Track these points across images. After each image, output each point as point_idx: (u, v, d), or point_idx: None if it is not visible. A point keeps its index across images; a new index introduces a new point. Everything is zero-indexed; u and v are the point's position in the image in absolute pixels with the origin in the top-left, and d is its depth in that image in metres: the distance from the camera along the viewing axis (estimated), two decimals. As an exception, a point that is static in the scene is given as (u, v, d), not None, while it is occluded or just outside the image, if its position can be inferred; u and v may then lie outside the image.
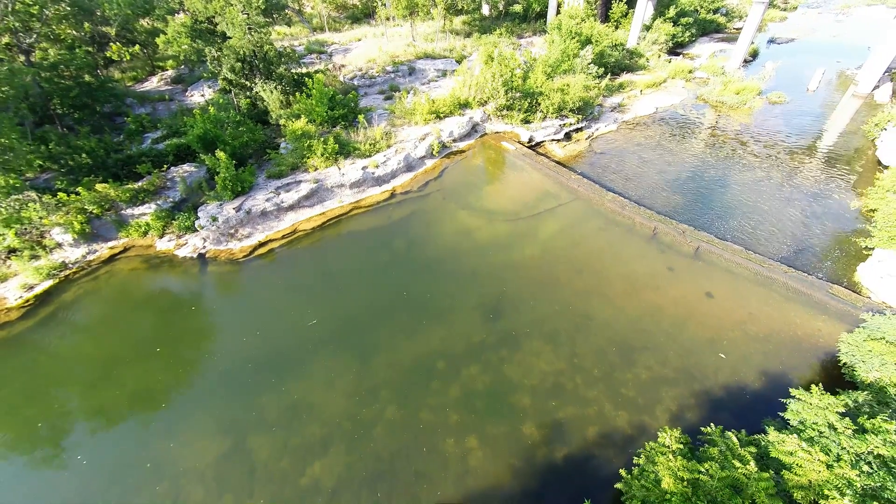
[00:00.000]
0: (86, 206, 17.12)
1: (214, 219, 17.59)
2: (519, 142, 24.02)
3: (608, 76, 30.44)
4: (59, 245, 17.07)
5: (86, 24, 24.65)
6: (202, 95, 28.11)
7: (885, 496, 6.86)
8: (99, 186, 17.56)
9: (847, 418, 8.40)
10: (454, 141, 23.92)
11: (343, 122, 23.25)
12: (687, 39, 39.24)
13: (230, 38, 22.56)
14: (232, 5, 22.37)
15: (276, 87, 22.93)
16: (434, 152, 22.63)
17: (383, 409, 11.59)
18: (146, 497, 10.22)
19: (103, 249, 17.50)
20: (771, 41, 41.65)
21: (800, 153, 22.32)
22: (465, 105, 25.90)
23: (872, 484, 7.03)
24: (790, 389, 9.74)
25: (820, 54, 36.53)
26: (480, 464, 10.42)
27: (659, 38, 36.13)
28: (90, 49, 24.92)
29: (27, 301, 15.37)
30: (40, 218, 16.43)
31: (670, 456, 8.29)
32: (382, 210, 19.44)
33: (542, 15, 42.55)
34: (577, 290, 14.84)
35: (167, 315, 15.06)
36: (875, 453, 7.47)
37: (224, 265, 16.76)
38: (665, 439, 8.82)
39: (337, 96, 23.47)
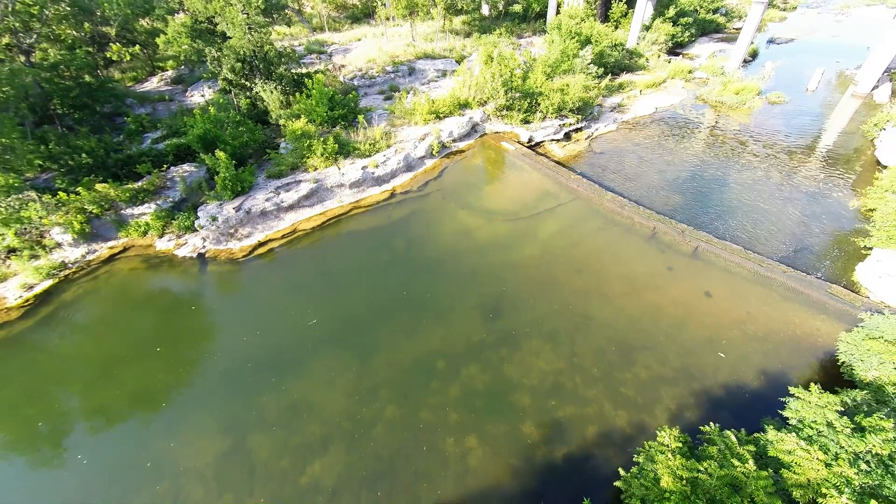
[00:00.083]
0: (85, 206, 17.14)
1: (214, 218, 17.61)
2: (518, 142, 24.04)
3: (608, 76, 30.48)
4: (59, 245, 17.09)
5: (86, 25, 24.66)
6: (202, 96, 28.14)
7: (884, 494, 6.89)
8: (99, 186, 17.58)
9: (846, 417, 8.43)
10: (454, 141, 23.94)
11: (343, 123, 23.28)
12: (686, 39, 39.28)
13: (230, 38, 22.58)
14: (232, 5, 22.39)
15: (275, 88, 22.94)
16: (434, 152, 22.66)
17: (383, 409, 11.61)
18: (146, 496, 10.24)
19: (103, 249, 17.52)
20: (770, 41, 41.70)
21: (799, 153, 22.36)
22: (464, 105, 25.92)
23: (870, 482, 7.06)
24: (789, 388, 9.77)
25: (819, 54, 36.57)
26: (480, 463, 10.44)
27: (658, 38, 36.17)
28: (90, 49, 24.93)
29: (27, 301, 15.38)
30: (40, 218, 16.45)
31: (669, 455, 8.32)
32: (382, 210, 19.46)
33: (542, 15, 42.58)
34: (577, 290, 14.86)
35: (167, 315, 15.08)
36: (873, 452, 7.50)
37: (224, 265, 16.78)
38: (664, 438, 8.84)
39: (337, 96, 23.49)
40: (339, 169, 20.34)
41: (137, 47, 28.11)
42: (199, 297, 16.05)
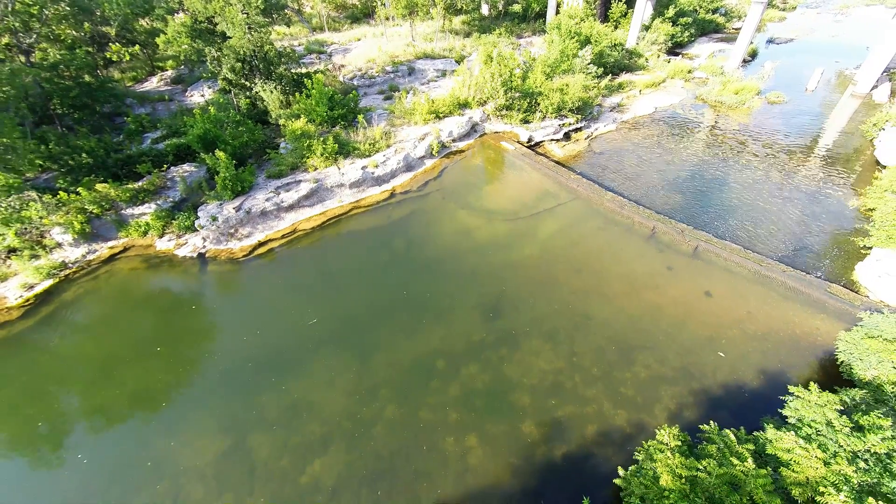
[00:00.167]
0: (86, 206, 17.15)
1: (214, 218, 17.62)
2: (518, 142, 24.06)
3: (607, 76, 30.50)
4: (59, 245, 17.10)
5: (85, 24, 24.68)
6: (202, 95, 28.15)
7: (882, 492, 6.91)
8: (99, 186, 17.59)
9: (845, 416, 8.45)
10: (453, 141, 23.96)
11: (343, 122, 23.29)
12: (686, 39, 39.31)
13: (230, 37, 22.59)
14: (231, 5, 22.39)
15: (275, 87, 22.96)
16: (433, 152, 22.68)
17: (383, 408, 11.62)
18: (146, 496, 10.25)
19: (103, 249, 17.53)
20: (770, 41, 41.73)
21: (798, 153, 22.38)
22: (464, 105, 25.94)
23: (869, 480, 7.09)
24: (789, 387, 9.79)
25: (819, 54, 36.60)
26: (480, 462, 10.45)
27: (658, 38, 36.20)
28: (90, 49, 24.94)
29: (27, 300, 15.40)
30: (40, 217, 16.46)
31: (669, 453, 8.34)
32: (382, 210, 19.48)
33: (542, 15, 42.61)
34: (577, 290, 14.88)
35: (167, 314, 15.09)
36: (872, 451, 7.52)
37: (224, 265, 16.79)
38: (664, 437, 8.86)
39: (336, 96, 23.51)
40: (339, 169, 20.35)
41: (137, 47, 28.11)
42: (199, 296, 16.06)
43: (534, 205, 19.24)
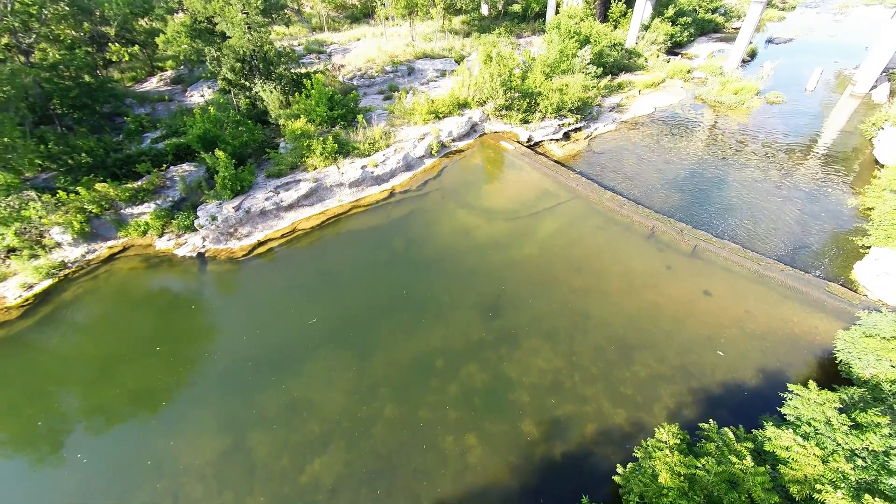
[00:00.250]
0: (85, 206, 17.16)
1: (214, 218, 17.63)
2: (518, 141, 24.08)
3: (607, 76, 30.53)
4: (59, 244, 17.10)
5: (85, 24, 24.69)
6: (202, 95, 28.16)
7: (879, 489, 6.93)
8: (98, 186, 17.60)
9: (844, 414, 8.47)
10: (453, 140, 23.98)
11: (342, 122, 23.31)
12: (685, 39, 39.35)
13: (230, 37, 22.60)
14: (231, 5, 22.39)
15: (275, 87, 22.97)
16: (433, 152, 22.69)
17: (382, 407, 11.64)
18: (146, 495, 10.26)
19: (102, 249, 17.53)
20: (769, 41, 41.78)
21: (797, 152, 22.42)
22: (464, 105, 25.96)
23: (867, 478, 7.11)
24: (788, 385, 9.81)
25: (818, 54, 36.65)
26: (479, 461, 10.47)
27: (657, 38, 36.24)
28: (90, 49, 24.95)
29: (26, 300, 15.40)
30: (40, 217, 16.47)
31: (667, 451, 8.36)
32: (381, 209, 19.49)
33: (541, 15, 42.64)
34: (576, 289, 14.90)
35: (167, 314, 15.10)
36: (870, 448, 7.54)
37: (224, 264, 16.80)
38: (662, 435, 8.88)
39: (336, 96, 23.52)
40: (339, 168, 20.37)
41: (137, 47, 28.15)
42: (198, 296, 16.07)
43: (533, 204, 19.26)
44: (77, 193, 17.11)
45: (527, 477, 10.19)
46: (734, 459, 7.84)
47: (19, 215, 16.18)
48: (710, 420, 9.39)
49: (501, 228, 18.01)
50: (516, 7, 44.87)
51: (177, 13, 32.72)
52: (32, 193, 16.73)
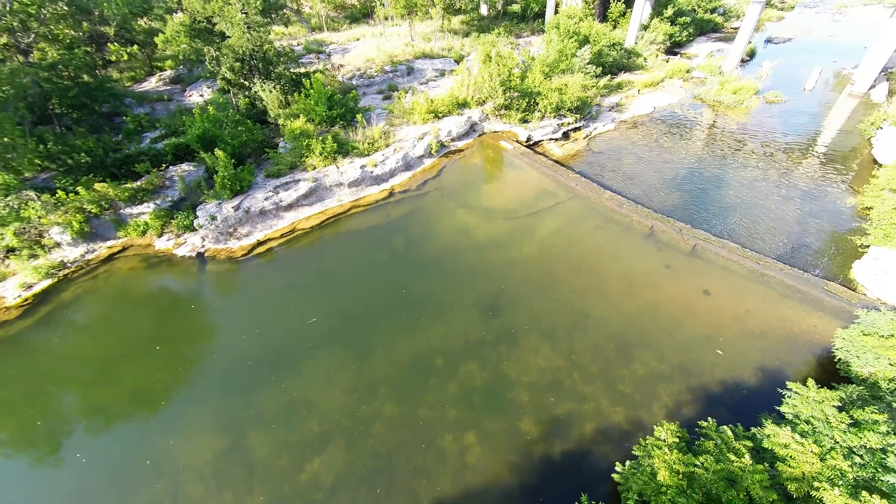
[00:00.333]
0: (84, 206, 17.14)
1: (213, 218, 17.63)
2: (517, 141, 24.09)
3: (606, 76, 30.55)
4: (58, 244, 17.08)
5: (84, 24, 24.65)
6: (201, 95, 28.15)
7: (876, 486, 6.94)
8: (97, 186, 17.58)
9: (843, 412, 8.49)
10: (452, 140, 23.98)
11: (341, 122, 23.31)
12: (684, 39, 39.40)
13: (229, 37, 22.59)
14: (230, 4, 22.39)
15: (274, 87, 22.96)
16: (432, 151, 22.70)
17: (382, 406, 11.64)
18: (146, 494, 10.26)
19: (102, 249, 17.52)
20: (768, 41, 41.84)
21: (796, 152, 22.45)
22: (463, 105, 25.96)
23: (864, 475, 7.12)
24: (787, 383, 9.83)
25: (817, 54, 36.70)
26: (479, 459, 10.48)
27: (657, 38, 36.27)
28: (88, 49, 24.93)
29: (26, 300, 15.39)
30: (39, 217, 16.46)
31: (666, 449, 8.37)
32: (381, 209, 19.49)
33: (541, 14, 42.66)
34: (575, 288, 14.91)
35: (166, 314, 15.10)
36: (868, 446, 7.55)
37: (223, 264, 16.79)
38: (661, 433, 8.89)
39: (335, 96, 23.52)
40: (338, 168, 20.37)
41: (136, 47, 28.13)
42: (198, 296, 16.06)
43: (532, 203, 19.27)
44: (76, 193, 17.10)
45: (526, 475, 10.20)
46: (733, 457, 7.85)
47: (18, 215, 16.17)
48: (709, 418, 9.41)
49: (501, 228, 18.02)
50: (515, 7, 44.90)
51: (176, 13, 32.70)
52: (32, 193, 16.71)
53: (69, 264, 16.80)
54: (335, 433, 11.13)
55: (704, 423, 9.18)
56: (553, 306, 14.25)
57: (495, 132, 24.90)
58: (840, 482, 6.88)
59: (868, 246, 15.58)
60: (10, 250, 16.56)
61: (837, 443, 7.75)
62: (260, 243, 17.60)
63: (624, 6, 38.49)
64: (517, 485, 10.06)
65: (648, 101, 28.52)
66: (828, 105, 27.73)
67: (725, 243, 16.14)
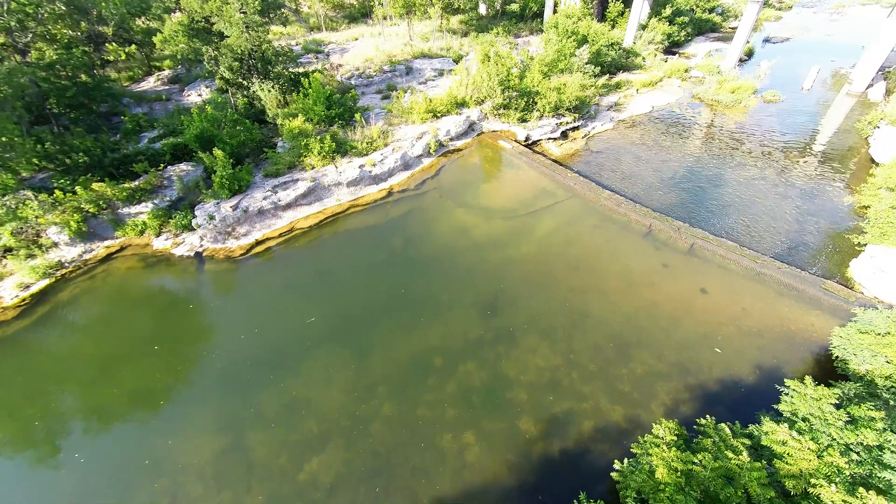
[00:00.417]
0: (82, 205, 17.11)
1: (211, 217, 17.61)
2: (516, 140, 24.11)
3: (605, 75, 30.59)
4: (56, 244, 17.03)
5: (82, 24, 24.58)
6: (199, 95, 28.10)
7: (874, 483, 6.98)
8: (95, 185, 17.54)
9: (841, 410, 8.52)
10: (451, 140, 23.99)
11: (340, 122, 23.29)
12: (683, 39, 39.47)
13: (227, 37, 22.56)
14: (229, 4, 22.36)
15: (273, 87, 22.94)
16: (431, 151, 22.70)
17: (381, 406, 11.65)
18: (145, 494, 10.25)
19: (100, 248, 17.48)
20: (766, 40, 41.94)
21: (794, 151, 22.51)
22: (461, 104, 25.97)
23: (861, 472, 7.15)
24: (785, 381, 9.86)
25: (815, 53, 36.81)
26: (477, 459, 10.49)
27: (655, 38, 36.32)
28: (86, 48, 24.85)
29: (23, 300, 15.35)
30: (36, 217, 16.42)
31: (664, 447, 8.39)
32: (380, 208, 19.50)
33: (539, 14, 42.70)
34: (574, 287, 14.93)
35: (165, 313, 15.07)
36: (865, 443, 7.59)
37: (221, 263, 16.78)
38: (660, 431, 8.92)
39: (334, 95, 23.51)
40: (337, 167, 20.36)
41: (134, 47, 28.07)
42: (196, 295, 16.04)
43: (531, 203, 19.29)
44: (74, 193, 17.06)
45: (525, 474, 10.21)
46: (731, 455, 7.88)
47: (16, 215, 16.12)
48: (707, 416, 9.44)
49: (499, 227, 18.04)
50: (514, 6, 44.92)
51: (174, 12, 32.63)
52: (29, 193, 16.66)
53: (67, 264, 16.77)
54: (334, 433, 11.13)
55: (702, 421, 9.21)
56: (552, 305, 14.28)
57: (494, 131, 24.92)
58: (837, 479, 6.91)
59: (865, 244, 15.64)
60: (8, 250, 16.50)
61: (835, 440, 7.79)
62: (258, 243, 17.59)
63: (622, 6, 38.53)
64: (516, 483, 10.08)
65: (647, 101, 28.57)
66: (825, 104, 27.82)
67: (723, 242, 16.19)
